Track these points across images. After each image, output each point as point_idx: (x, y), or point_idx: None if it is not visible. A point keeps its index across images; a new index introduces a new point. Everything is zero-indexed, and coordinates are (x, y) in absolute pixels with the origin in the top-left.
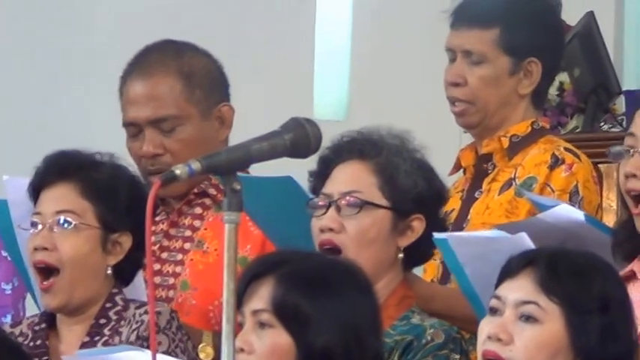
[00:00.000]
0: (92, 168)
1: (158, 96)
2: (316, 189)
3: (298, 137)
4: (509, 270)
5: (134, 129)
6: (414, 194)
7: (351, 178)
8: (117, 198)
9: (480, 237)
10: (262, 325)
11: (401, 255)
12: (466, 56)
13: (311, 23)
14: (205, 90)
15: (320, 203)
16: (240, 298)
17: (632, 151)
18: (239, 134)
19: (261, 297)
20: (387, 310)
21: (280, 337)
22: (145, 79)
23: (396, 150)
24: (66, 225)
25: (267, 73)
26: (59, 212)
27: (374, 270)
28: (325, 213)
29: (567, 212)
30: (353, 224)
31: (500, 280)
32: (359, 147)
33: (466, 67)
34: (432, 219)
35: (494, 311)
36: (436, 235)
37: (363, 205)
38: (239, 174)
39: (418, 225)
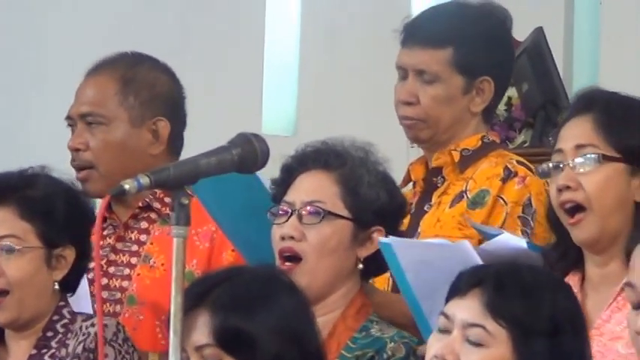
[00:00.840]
0: (27, 187)
1: (93, 93)
2: (277, 197)
3: (246, 152)
4: (458, 288)
5: (71, 122)
6: (375, 206)
7: (314, 188)
8: (55, 213)
9: (423, 243)
10: None
11: (361, 265)
12: (419, 75)
13: (260, 40)
14: (142, 100)
15: (282, 211)
16: None
17: (561, 165)
18: (189, 148)
19: (201, 331)
20: (346, 320)
21: None
22: (91, 78)
23: (360, 162)
24: (9, 250)
25: (217, 88)
26: (1, 238)
27: (333, 279)
28: (287, 221)
29: (508, 240)
30: (314, 233)
31: (450, 296)
32: (324, 157)
33: (419, 86)
34: (391, 231)
35: (442, 329)
36: (381, 239)
37: (325, 214)
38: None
39: (378, 236)
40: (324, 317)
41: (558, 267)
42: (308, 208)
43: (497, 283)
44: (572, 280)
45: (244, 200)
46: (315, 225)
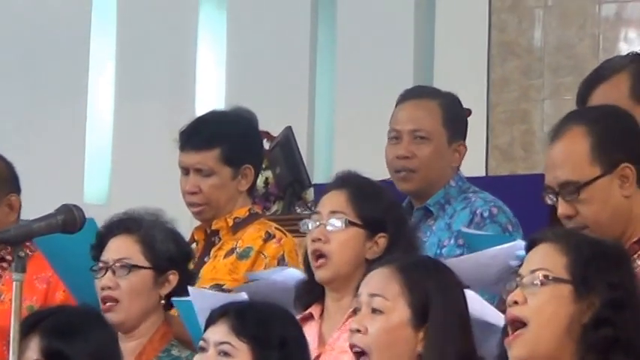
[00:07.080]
0: None
1: None
2: (96, 258)
3: (68, 218)
4: (211, 319)
5: None
6: (167, 256)
7: (121, 248)
8: None
9: (208, 293)
10: None
11: (162, 301)
12: (198, 172)
13: (82, 135)
14: None
15: (99, 268)
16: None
17: (318, 223)
18: (28, 214)
19: (33, 350)
20: (153, 343)
21: None
22: None
23: (152, 224)
24: None
25: (49, 170)
26: None
27: (142, 314)
28: (104, 275)
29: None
30: (125, 282)
31: (206, 327)
32: (124, 224)
33: (199, 179)
34: (183, 273)
35: (202, 349)
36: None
37: (131, 267)
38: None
39: (173, 278)
40: (136, 342)
41: (304, 299)
42: (118, 264)
43: (238, 313)
44: (315, 309)
45: (78, 254)
46: (125, 276)
